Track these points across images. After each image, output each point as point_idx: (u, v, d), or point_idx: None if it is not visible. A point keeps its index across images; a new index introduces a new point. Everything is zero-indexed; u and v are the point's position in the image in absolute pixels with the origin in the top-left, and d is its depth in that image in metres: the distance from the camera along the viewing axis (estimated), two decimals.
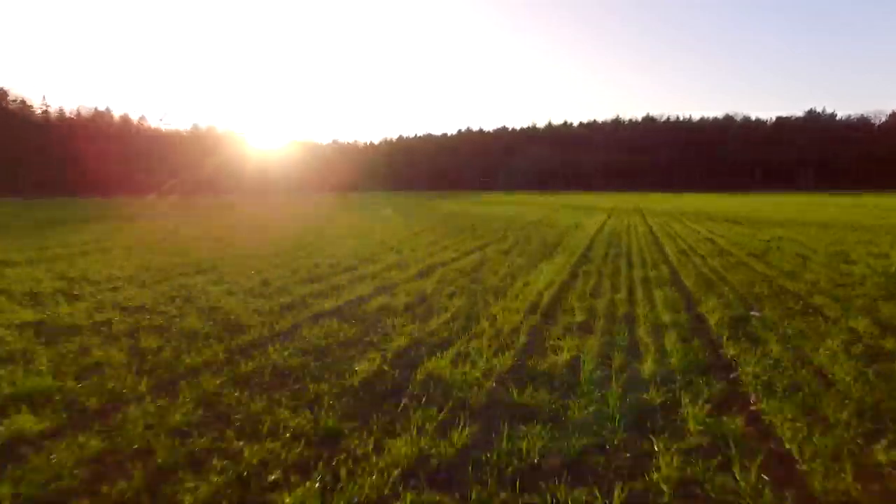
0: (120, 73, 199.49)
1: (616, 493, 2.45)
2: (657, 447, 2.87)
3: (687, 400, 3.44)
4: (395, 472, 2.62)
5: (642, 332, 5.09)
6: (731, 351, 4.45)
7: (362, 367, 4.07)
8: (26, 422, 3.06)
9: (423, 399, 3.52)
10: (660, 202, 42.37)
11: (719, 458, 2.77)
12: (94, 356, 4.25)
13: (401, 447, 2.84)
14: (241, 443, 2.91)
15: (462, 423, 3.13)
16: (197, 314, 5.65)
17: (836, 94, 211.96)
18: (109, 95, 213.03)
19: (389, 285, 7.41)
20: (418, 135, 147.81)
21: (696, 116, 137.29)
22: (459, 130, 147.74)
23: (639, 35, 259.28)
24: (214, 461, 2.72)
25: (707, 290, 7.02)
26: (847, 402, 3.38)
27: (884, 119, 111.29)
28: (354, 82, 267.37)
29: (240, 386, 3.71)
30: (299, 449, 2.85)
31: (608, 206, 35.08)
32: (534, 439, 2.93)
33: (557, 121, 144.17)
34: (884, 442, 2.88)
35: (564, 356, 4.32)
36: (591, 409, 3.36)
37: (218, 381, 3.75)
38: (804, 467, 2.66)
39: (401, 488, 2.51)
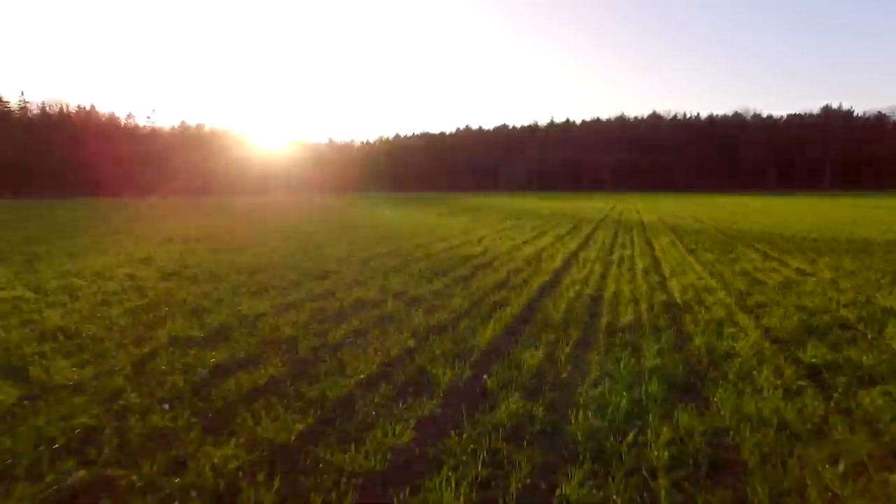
0: (118, 73, 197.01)
1: None
2: None
3: None
4: None
5: None
6: None
7: None
8: None
9: None
10: (668, 206, 37.61)
11: None
12: None
13: None
14: None
15: None
16: None
17: (834, 94, 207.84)
18: (105, 95, 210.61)
19: None
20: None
21: (704, 114, 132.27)
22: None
23: (639, 34, 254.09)
24: None
25: None
26: None
27: None
28: (353, 82, 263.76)
29: None
30: None
31: (600, 212, 30.41)
32: None
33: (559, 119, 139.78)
34: None
35: None
36: None
37: None
38: None
39: None
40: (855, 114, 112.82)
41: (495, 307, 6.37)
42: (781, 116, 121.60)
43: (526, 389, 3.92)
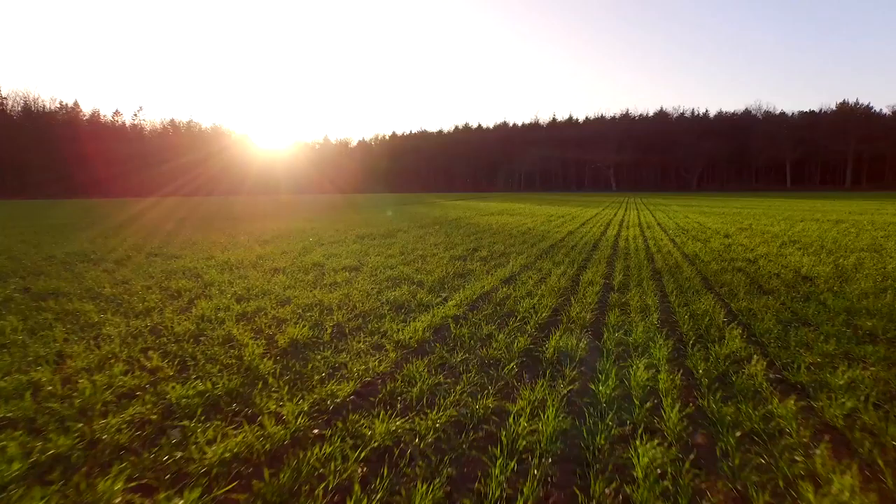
0: (120, 73, 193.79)
1: None
2: None
3: None
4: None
5: None
6: None
7: None
8: None
9: None
10: (683, 214, 31.95)
11: None
12: None
13: None
14: None
15: None
16: None
17: (837, 92, 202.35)
18: (106, 95, 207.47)
19: None
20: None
21: (713, 111, 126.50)
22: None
23: (642, 32, 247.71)
24: None
25: None
26: None
27: None
28: (353, 82, 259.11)
29: None
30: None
31: (585, 219, 24.92)
32: None
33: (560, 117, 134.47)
34: None
35: None
36: None
37: None
38: None
39: None
40: (874, 109, 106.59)
41: None
42: (794, 113, 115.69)
43: None
